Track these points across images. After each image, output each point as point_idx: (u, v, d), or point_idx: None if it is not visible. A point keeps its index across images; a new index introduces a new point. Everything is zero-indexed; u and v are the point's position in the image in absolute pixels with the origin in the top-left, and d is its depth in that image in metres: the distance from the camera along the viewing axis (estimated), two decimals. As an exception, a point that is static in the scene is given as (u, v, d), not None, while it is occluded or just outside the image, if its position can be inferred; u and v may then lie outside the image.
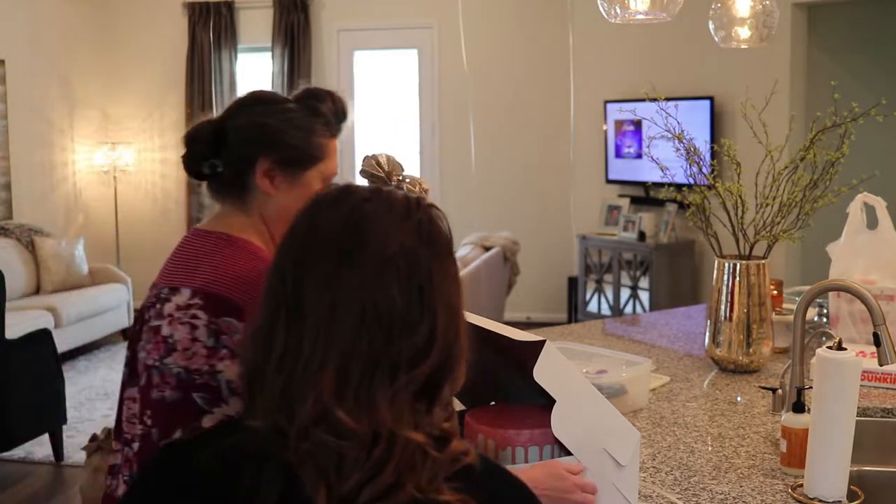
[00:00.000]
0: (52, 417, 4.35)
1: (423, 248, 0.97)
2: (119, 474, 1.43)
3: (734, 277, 2.40)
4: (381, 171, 1.60)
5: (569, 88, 7.21)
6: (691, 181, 2.50)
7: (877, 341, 1.71)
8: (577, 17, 7.05)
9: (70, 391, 5.17)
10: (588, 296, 6.85)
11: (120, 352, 6.55)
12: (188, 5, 7.66)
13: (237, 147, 1.45)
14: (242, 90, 7.95)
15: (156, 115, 7.91)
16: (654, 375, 2.34)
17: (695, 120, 5.65)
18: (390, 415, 0.91)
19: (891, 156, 5.28)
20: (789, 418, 1.76)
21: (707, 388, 2.32)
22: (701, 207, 2.47)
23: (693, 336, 2.87)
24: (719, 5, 2.70)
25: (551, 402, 1.34)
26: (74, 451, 4.55)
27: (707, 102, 5.88)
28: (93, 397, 5.50)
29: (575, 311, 7.01)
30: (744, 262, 2.40)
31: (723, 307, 2.41)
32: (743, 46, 2.72)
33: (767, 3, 2.66)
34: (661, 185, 2.71)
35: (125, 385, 1.45)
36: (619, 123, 6.59)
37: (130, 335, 1.48)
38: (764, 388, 2.26)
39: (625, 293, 6.50)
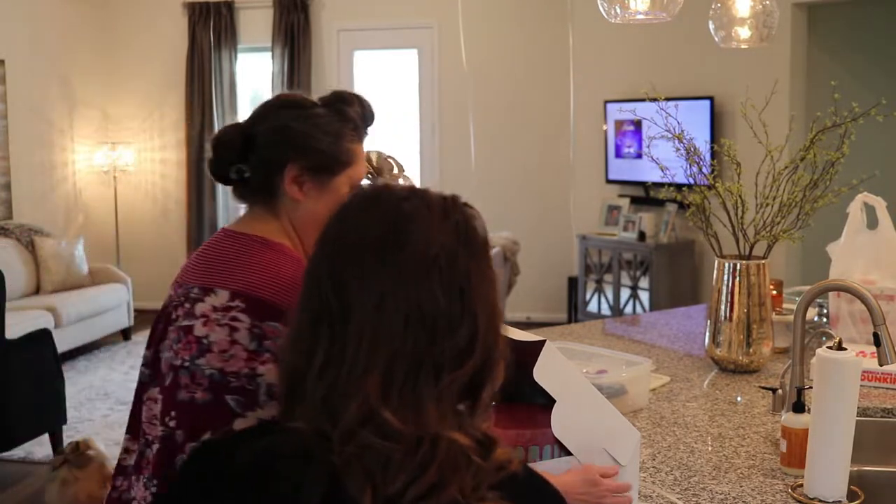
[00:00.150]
0: (52, 417, 4.35)
1: (461, 248, 0.97)
2: (132, 476, 1.40)
3: (734, 277, 2.40)
4: (370, 169, 1.60)
5: (569, 88, 7.21)
6: (691, 181, 2.50)
7: (877, 341, 1.71)
8: (577, 17, 7.05)
9: (70, 391, 5.17)
10: (588, 296, 6.85)
11: (120, 352, 6.56)
12: (188, 5, 7.66)
13: (265, 152, 1.43)
14: (242, 90, 8.00)
15: (156, 115, 7.91)
16: (654, 375, 2.34)
17: (695, 120, 5.65)
18: (435, 416, 0.91)
19: (891, 156, 5.28)
20: (789, 418, 1.76)
21: (707, 388, 2.31)
22: (701, 207, 2.47)
23: (693, 336, 2.87)
24: (719, 5, 2.70)
25: (551, 402, 1.34)
26: (74, 451, 4.56)
27: (707, 102, 5.88)
28: (93, 397, 5.50)
29: (575, 311, 7.01)
30: (744, 262, 2.40)
31: (723, 307, 2.41)
32: (743, 46, 2.72)
33: (767, 3, 2.66)
34: (661, 185, 2.71)
35: (146, 385, 1.42)
36: (619, 123, 6.59)
37: (153, 334, 1.45)
38: (764, 388, 2.26)
39: (625, 293, 6.49)
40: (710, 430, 2.00)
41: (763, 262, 2.41)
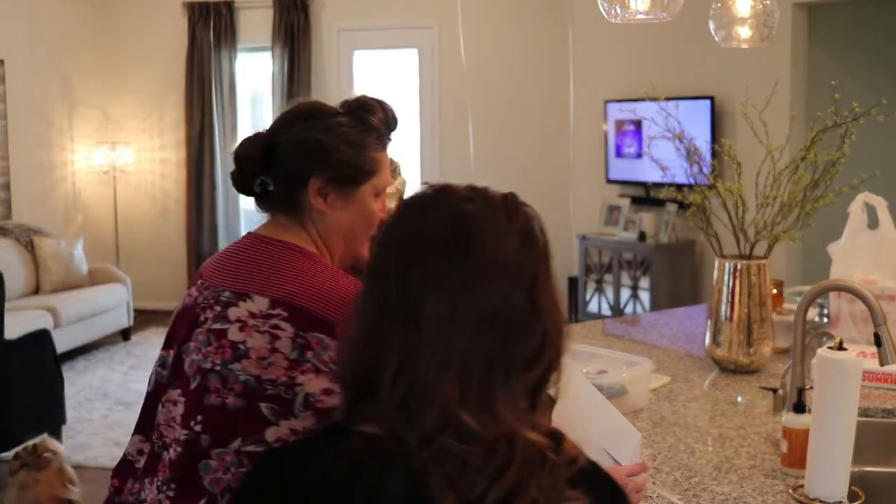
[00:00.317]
0: (51, 417, 4.35)
1: (526, 250, 0.97)
2: (144, 479, 1.37)
3: (735, 277, 2.39)
4: None
5: (569, 88, 7.21)
6: (692, 181, 2.49)
7: (878, 341, 1.70)
8: (577, 17, 7.04)
9: (69, 391, 5.17)
10: (588, 296, 6.84)
11: (119, 352, 6.56)
12: (188, 5, 7.65)
13: (288, 165, 1.41)
14: (242, 90, 7.99)
15: (155, 115, 7.91)
16: (655, 375, 2.33)
17: (695, 120, 5.64)
18: (510, 417, 0.91)
19: (891, 155, 5.27)
20: (790, 419, 1.75)
21: (707, 389, 2.31)
22: (701, 207, 2.46)
23: (693, 336, 2.86)
24: (720, 5, 2.69)
25: (551, 402, 1.34)
26: (74, 451, 4.55)
27: (707, 102, 5.87)
28: (92, 397, 5.49)
29: (575, 311, 7.01)
30: (744, 262, 2.39)
31: (723, 307, 2.41)
32: (743, 46, 2.71)
33: (768, 2, 2.65)
34: (662, 185, 2.71)
35: (163, 387, 1.40)
36: (619, 123, 6.59)
37: (172, 335, 1.42)
38: (765, 388, 2.26)
39: (625, 293, 6.49)
40: (711, 431, 1.99)
41: (763, 262, 2.40)
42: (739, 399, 2.22)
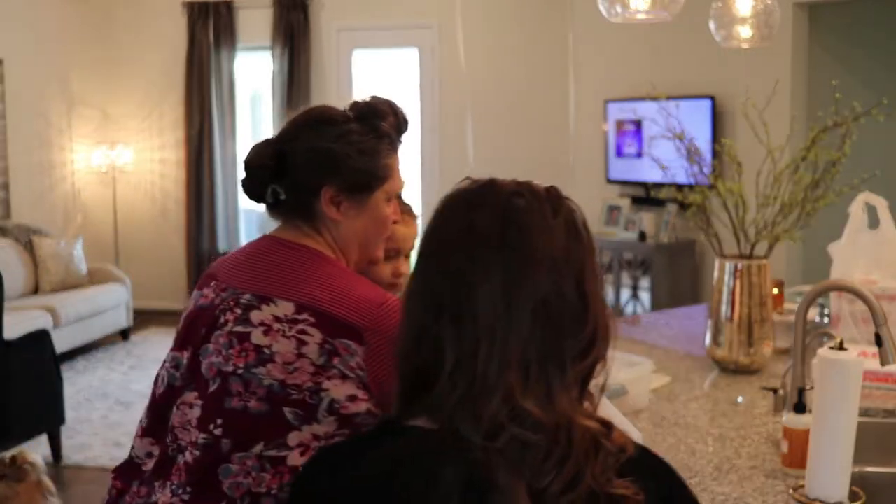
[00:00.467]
0: (50, 418, 4.34)
1: (574, 243, 0.98)
2: (153, 482, 1.35)
3: (735, 277, 2.39)
4: None
5: (569, 88, 7.20)
6: (692, 181, 2.49)
7: (878, 342, 1.70)
8: (577, 16, 7.04)
9: (68, 391, 5.16)
10: (588, 296, 6.83)
11: (119, 352, 6.55)
12: (187, 5, 7.65)
13: (300, 174, 1.40)
14: (242, 90, 7.98)
15: (155, 115, 7.90)
16: (655, 376, 2.33)
17: (695, 119, 5.64)
18: (567, 406, 0.93)
19: (892, 155, 5.27)
20: (790, 419, 1.75)
21: (708, 389, 2.31)
22: (702, 207, 2.46)
23: (694, 336, 2.86)
24: (720, 4, 2.69)
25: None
26: (73, 451, 4.55)
27: (708, 102, 5.87)
28: (91, 398, 5.49)
29: (575, 311, 7.00)
30: (745, 262, 2.39)
31: (724, 307, 2.40)
32: (744, 46, 2.71)
33: (769, 2, 2.65)
34: (662, 184, 2.71)
35: (177, 389, 1.38)
36: (619, 123, 6.58)
37: (189, 336, 1.39)
38: (765, 388, 2.25)
39: (625, 293, 6.49)
40: (711, 431, 1.99)
41: (764, 262, 2.40)
42: (740, 399, 2.21)
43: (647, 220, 6.32)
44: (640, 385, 2.13)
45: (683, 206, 2.55)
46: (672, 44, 6.10)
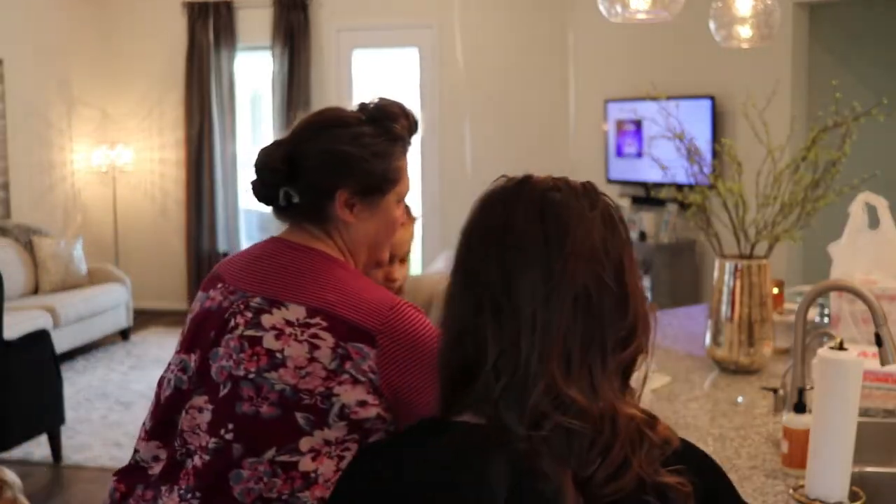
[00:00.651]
0: (50, 418, 4.34)
1: (611, 235, 1.00)
2: (160, 486, 1.35)
3: (735, 277, 2.39)
4: None
5: (569, 88, 7.20)
6: (692, 181, 2.49)
7: (878, 342, 1.70)
8: (577, 16, 7.04)
9: (68, 392, 5.16)
10: (588, 296, 6.83)
11: (118, 352, 6.55)
12: (187, 5, 7.65)
13: (314, 177, 1.39)
14: (242, 89, 7.97)
15: (155, 115, 7.90)
16: (655, 375, 2.33)
17: (695, 119, 5.63)
18: (610, 395, 0.94)
19: (892, 155, 5.27)
20: (791, 419, 1.75)
21: (708, 389, 2.31)
22: (702, 207, 2.46)
23: (694, 336, 2.85)
24: (720, 4, 2.69)
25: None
26: (73, 451, 4.54)
27: (708, 102, 5.87)
28: (91, 398, 5.49)
29: (575, 311, 7.00)
30: (745, 262, 2.39)
31: (724, 307, 2.40)
32: (744, 46, 2.71)
33: (769, 2, 2.65)
34: (662, 184, 2.70)
35: (185, 392, 1.36)
36: (619, 123, 6.58)
37: (197, 339, 1.38)
38: (765, 388, 2.25)
39: (625, 293, 6.48)
40: (711, 431, 1.99)
41: (764, 262, 2.40)
42: (740, 399, 2.21)
43: (647, 220, 6.32)
44: (640, 385, 2.13)
45: (683, 206, 2.55)
46: (672, 44, 6.10)
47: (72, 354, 6.27)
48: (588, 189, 1.02)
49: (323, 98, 7.39)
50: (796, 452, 1.72)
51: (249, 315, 1.32)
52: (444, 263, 5.67)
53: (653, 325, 1.01)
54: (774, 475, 1.74)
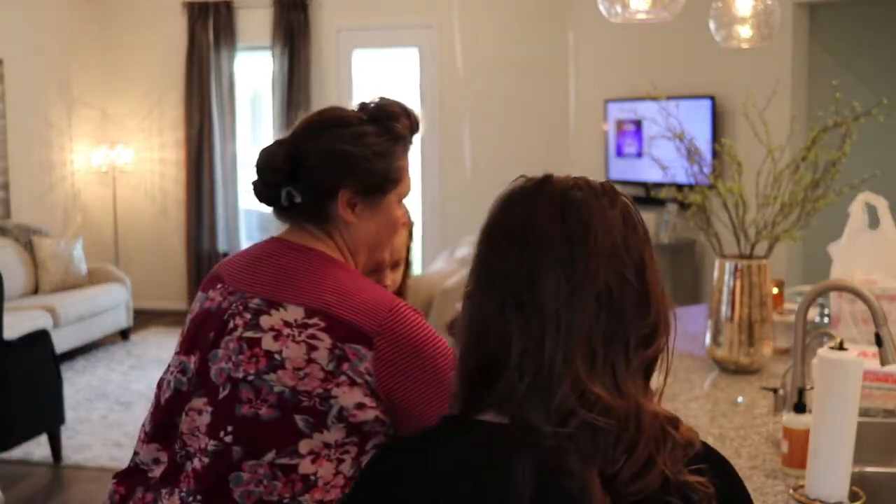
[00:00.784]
0: (50, 418, 4.34)
1: (631, 233, 1.01)
2: (160, 489, 1.34)
3: (735, 277, 2.39)
4: None
5: (569, 88, 7.20)
6: (692, 181, 2.49)
7: (878, 342, 1.70)
8: (577, 16, 7.04)
9: (68, 392, 5.16)
10: (588, 296, 6.83)
11: (118, 352, 6.55)
12: (187, 5, 7.65)
13: (317, 177, 1.38)
14: (242, 89, 7.97)
15: (155, 115, 7.90)
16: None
17: (695, 119, 5.63)
18: (635, 392, 0.94)
19: (892, 155, 5.27)
20: (791, 419, 1.75)
21: (708, 389, 2.31)
22: (702, 207, 2.46)
23: (694, 336, 2.85)
24: (720, 4, 2.69)
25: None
26: (73, 451, 4.54)
27: (708, 102, 5.87)
28: (91, 398, 5.49)
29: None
30: (745, 262, 2.39)
31: (724, 307, 2.40)
32: (744, 46, 2.71)
33: (769, 2, 2.65)
34: (662, 184, 2.70)
35: (185, 394, 1.36)
36: (619, 123, 6.58)
37: (196, 341, 1.37)
38: (765, 388, 2.25)
39: (625, 293, 6.48)
40: (711, 431, 1.99)
41: (764, 262, 2.40)
42: (740, 399, 2.21)
43: (647, 220, 6.25)
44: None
45: (683, 206, 2.55)
46: (672, 44, 6.10)
47: (72, 354, 6.27)
48: (607, 188, 1.03)
49: (323, 98, 7.39)
50: (796, 452, 1.72)
51: (248, 316, 1.32)
52: (444, 263, 5.67)
53: (673, 324, 1.02)
54: (774, 475, 1.74)
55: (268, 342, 1.29)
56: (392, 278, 1.75)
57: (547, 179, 1.03)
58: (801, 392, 1.76)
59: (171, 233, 7.94)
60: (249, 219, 7.94)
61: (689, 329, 2.96)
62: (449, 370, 1.30)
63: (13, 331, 4.55)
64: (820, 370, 1.59)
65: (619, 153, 6.63)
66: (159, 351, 6.51)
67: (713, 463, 0.98)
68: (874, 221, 2.56)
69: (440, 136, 7.46)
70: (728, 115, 5.80)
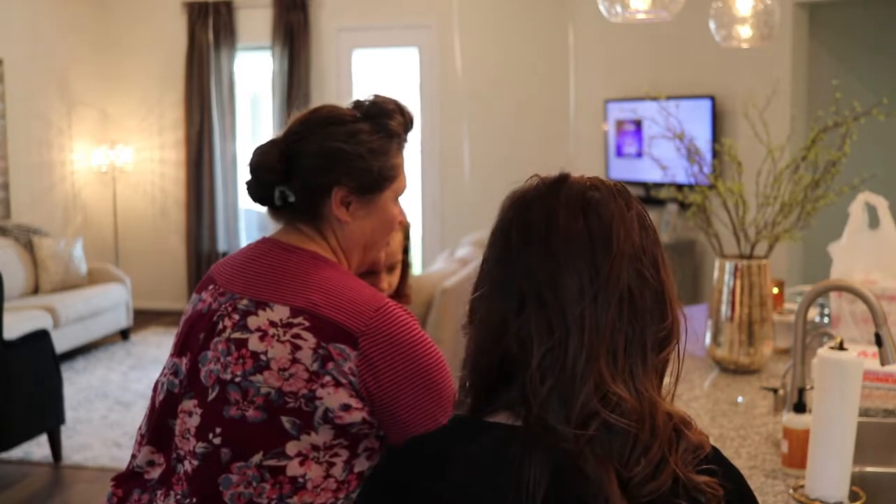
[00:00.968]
0: (50, 418, 4.34)
1: (646, 234, 1.00)
2: (156, 490, 1.34)
3: (735, 277, 2.38)
4: None
5: (569, 87, 7.20)
6: (692, 181, 2.49)
7: (878, 341, 1.70)
8: (577, 16, 7.04)
9: (68, 391, 5.17)
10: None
11: (118, 352, 6.55)
12: (187, 5, 7.65)
13: (310, 175, 1.37)
14: (242, 89, 7.96)
15: (155, 114, 7.90)
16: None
17: (696, 119, 5.63)
18: (652, 393, 0.95)
19: (892, 155, 5.27)
20: (791, 419, 1.75)
21: (708, 389, 2.30)
22: (702, 207, 2.46)
23: (694, 336, 2.85)
24: (720, 4, 2.69)
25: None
26: (73, 451, 4.54)
27: (708, 102, 5.87)
28: (91, 398, 5.49)
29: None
30: (745, 261, 2.39)
31: (724, 307, 2.40)
32: (744, 45, 2.71)
33: (769, 2, 2.65)
34: (662, 184, 2.70)
35: (178, 396, 1.35)
36: (619, 123, 6.58)
37: (187, 343, 1.36)
38: (765, 388, 2.25)
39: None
40: (711, 431, 1.99)
41: (764, 261, 2.40)
42: (740, 399, 2.21)
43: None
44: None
45: (683, 206, 2.55)
46: (672, 44, 6.10)
47: (72, 354, 6.27)
48: (621, 189, 1.02)
49: (323, 98, 7.38)
50: (796, 452, 1.72)
51: (237, 317, 1.31)
52: (443, 263, 5.67)
53: (683, 325, 1.01)
54: (774, 475, 1.74)
55: (254, 343, 1.28)
56: (388, 281, 1.74)
57: (564, 179, 1.02)
58: (801, 392, 1.76)
59: (171, 233, 7.94)
60: (249, 219, 7.94)
61: (689, 329, 2.96)
62: (436, 372, 1.29)
63: (13, 331, 4.55)
64: (820, 370, 1.59)
65: (619, 153, 6.63)
66: (159, 351, 6.51)
67: (723, 467, 0.98)
68: (874, 221, 2.56)
69: (440, 136, 7.46)
70: (728, 115, 5.80)
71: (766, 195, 2.40)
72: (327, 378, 1.25)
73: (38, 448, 4.52)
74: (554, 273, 0.95)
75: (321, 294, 1.29)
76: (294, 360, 1.26)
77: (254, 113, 8.39)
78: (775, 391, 2.11)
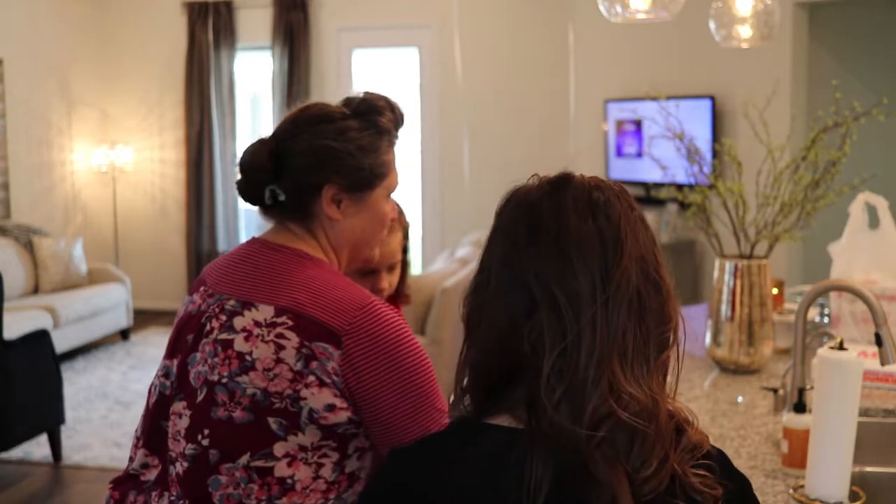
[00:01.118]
0: (50, 418, 4.34)
1: (648, 236, 1.00)
2: (151, 492, 1.34)
3: (735, 277, 2.38)
4: None
5: (569, 87, 7.20)
6: (692, 181, 2.49)
7: (878, 341, 1.70)
8: (577, 16, 7.04)
9: (68, 391, 5.17)
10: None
11: (118, 352, 6.55)
12: (187, 5, 7.65)
13: (300, 173, 1.36)
14: (242, 89, 7.96)
15: (155, 114, 7.90)
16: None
17: (696, 119, 5.63)
18: (657, 392, 0.95)
19: (892, 155, 5.27)
20: (791, 419, 1.75)
21: (708, 389, 2.30)
22: (702, 207, 2.46)
23: (694, 336, 2.85)
24: (720, 4, 2.69)
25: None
26: (73, 451, 4.54)
27: (708, 101, 5.87)
28: (91, 398, 5.49)
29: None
30: (745, 261, 2.39)
31: (724, 307, 2.40)
32: (744, 45, 2.71)
33: (769, 2, 2.65)
34: (662, 184, 2.71)
35: (169, 398, 1.35)
36: (619, 123, 6.58)
37: (177, 344, 1.37)
38: (765, 388, 2.25)
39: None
40: (712, 431, 1.99)
41: (764, 261, 2.40)
42: (740, 399, 2.21)
43: (647, 219, 6.31)
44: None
45: (683, 206, 2.55)
46: (672, 44, 6.10)
47: (72, 354, 6.27)
48: (622, 190, 1.02)
49: (323, 98, 7.25)
50: (796, 452, 1.72)
51: (224, 318, 1.30)
52: (444, 263, 5.67)
53: (682, 325, 1.01)
54: (774, 475, 1.74)
55: (239, 343, 1.27)
56: (389, 281, 1.73)
57: (569, 179, 1.01)
58: (801, 392, 1.76)
59: (171, 233, 7.94)
60: (249, 219, 7.94)
61: (689, 329, 2.96)
62: (418, 375, 1.28)
63: (13, 331, 4.55)
64: (820, 370, 1.59)
65: (619, 153, 6.63)
66: (159, 351, 6.50)
67: (725, 467, 0.98)
68: (874, 221, 2.56)
69: (440, 136, 7.46)
70: (728, 115, 5.80)
71: (766, 195, 2.40)
72: (311, 378, 1.24)
73: (38, 448, 4.52)
74: (566, 275, 0.94)
75: (306, 293, 1.28)
76: (278, 360, 1.25)
77: (254, 113, 8.39)
78: (775, 391, 2.11)
